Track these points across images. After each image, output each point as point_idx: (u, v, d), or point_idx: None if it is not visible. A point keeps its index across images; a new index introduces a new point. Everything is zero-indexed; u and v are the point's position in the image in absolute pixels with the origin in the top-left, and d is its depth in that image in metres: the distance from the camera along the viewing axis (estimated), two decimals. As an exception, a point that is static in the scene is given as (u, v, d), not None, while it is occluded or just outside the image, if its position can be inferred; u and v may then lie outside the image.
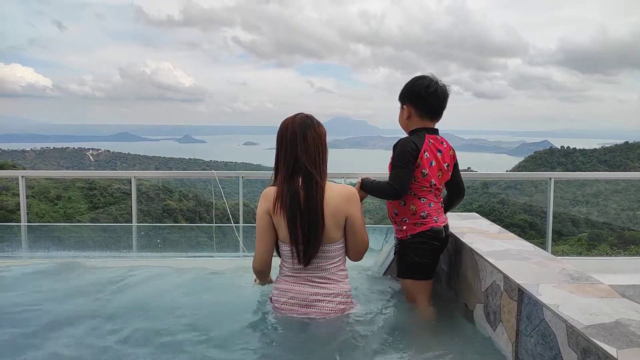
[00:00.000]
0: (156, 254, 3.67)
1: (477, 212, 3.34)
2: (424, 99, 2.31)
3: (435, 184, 2.31)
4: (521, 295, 1.74)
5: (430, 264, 2.32)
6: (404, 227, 2.32)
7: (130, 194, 4.50)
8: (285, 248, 2.08)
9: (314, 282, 2.06)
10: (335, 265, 2.09)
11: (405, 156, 2.21)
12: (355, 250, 2.14)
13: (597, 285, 1.75)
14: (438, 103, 2.32)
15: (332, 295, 2.06)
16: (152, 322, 2.19)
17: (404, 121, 2.39)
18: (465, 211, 3.42)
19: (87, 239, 4.37)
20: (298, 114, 2.11)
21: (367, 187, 2.33)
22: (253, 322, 2.16)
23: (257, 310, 2.27)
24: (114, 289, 2.62)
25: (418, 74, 2.35)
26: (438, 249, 2.34)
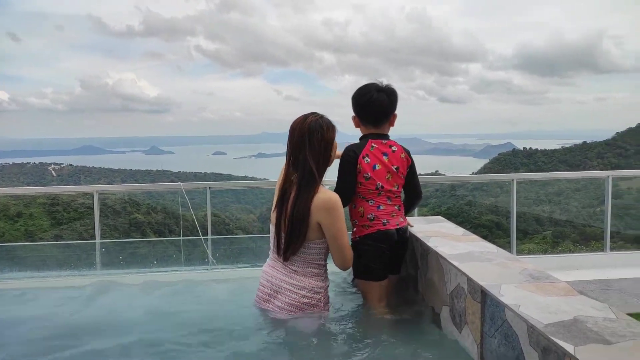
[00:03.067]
0: (120, 270, 3.57)
1: (446, 214, 3.41)
2: (362, 108, 2.44)
3: (383, 187, 2.38)
4: (484, 296, 1.77)
5: (378, 266, 2.37)
6: (354, 229, 2.44)
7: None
8: (271, 229, 2.22)
9: (286, 270, 2.18)
10: (308, 262, 2.17)
11: (343, 165, 2.38)
12: (339, 256, 2.20)
13: (557, 283, 1.80)
14: (375, 110, 2.42)
15: (297, 287, 2.16)
16: (114, 340, 2.12)
17: (357, 129, 2.53)
18: (434, 214, 3.48)
19: (49, 258, 4.20)
20: (310, 114, 2.19)
21: None
22: (225, 330, 2.15)
23: (227, 317, 2.28)
24: (75, 309, 2.53)
25: (382, 80, 2.43)
26: (387, 252, 2.38)
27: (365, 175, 2.36)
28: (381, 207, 2.39)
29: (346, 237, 2.19)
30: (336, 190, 2.36)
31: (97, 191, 4.35)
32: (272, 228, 2.23)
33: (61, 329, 2.26)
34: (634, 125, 32.10)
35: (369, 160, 2.37)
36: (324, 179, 2.20)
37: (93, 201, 4.31)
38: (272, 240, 2.25)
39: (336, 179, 2.41)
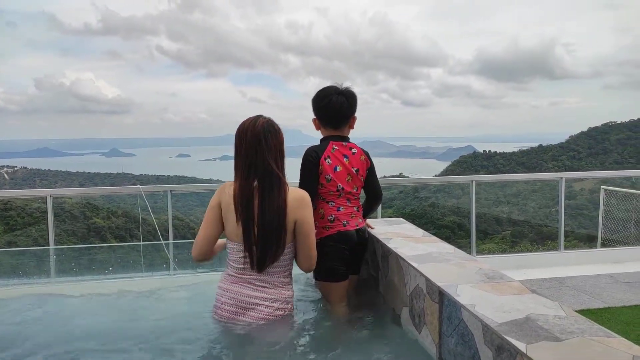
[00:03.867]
0: (73, 278, 3.43)
1: (410, 215, 3.46)
2: (322, 110, 2.46)
3: (343, 189, 2.41)
4: (441, 297, 1.81)
5: (339, 267, 2.39)
6: (315, 231, 2.40)
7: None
8: (233, 246, 2.08)
9: (255, 285, 2.06)
10: (279, 271, 2.09)
11: (306, 164, 2.37)
12: (306, 255, 2.12)
13: (510, 282, 1.85)
14: (335, 113, 2.44)
15: (270, 300, 2.06)
16: (61, 355, 2.02)
17: (318, 132, 2.53)
18: (399, 215, 3.53)
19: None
20: (259, 117, 2.11)
21: None
22: (185, 338, 2.09)
23: (187, 327, 2.19)
24: (27, 320, 2.41)
25: (347, 83, 2.45)
26: (347, 253, 2.41)
27: (327, 176, 2.38)
28: (341, 209, 2.42)
29: (314, 235, 2.15)
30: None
31: (50, 195, 4.18)
32: (233, 245, 2.08)
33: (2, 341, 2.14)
34: (585, 129, 33.68)
35: (330, 161, 2.39)
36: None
37: (47, 206, 4.15)
38: (235, 256, 2.08)
39: (298, 180, 2.40)
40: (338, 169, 2.40)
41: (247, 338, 2.01)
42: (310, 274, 2.62)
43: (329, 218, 2.40)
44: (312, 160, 2.37)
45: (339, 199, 2.42)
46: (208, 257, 2.14)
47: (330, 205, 2.40)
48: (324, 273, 2.41)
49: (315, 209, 2.43)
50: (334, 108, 2.42)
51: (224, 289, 2.10)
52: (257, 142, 2.02)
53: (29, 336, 2.15)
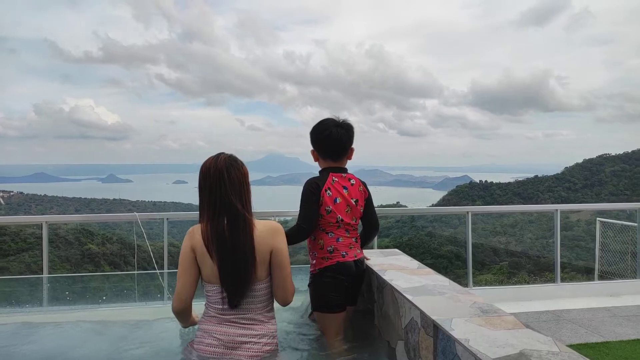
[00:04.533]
0: (67, 307, 3.39)
1: (407, 245, 3.47)
2: (321, 143, 2.50)
3: (342, 220, 2.43)
4: (436, 330, 1.80)
5: (337, 298, 2.39)
6: (314, 261, 2.45)
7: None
8: (211, 288, 2.03)
9: (241, 323, 2.02)
10: (262, 305, 2.06)
11: (307, 196, 2.39)
12: (282, 287, 2.07)
13: (504, 317, 1.85)
14: (334, 145, 2.48)
15: (258, 337, 2.03)
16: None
17: (316, 163, 2.57)
18: (396, 245, 3.53)
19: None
20: (220, 154, 2.10)
21: None
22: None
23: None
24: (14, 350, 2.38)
25: (345, 113, 2.51)
26: (347, 284, 2.41)
27: (327, 208, 2.40)
28: (340, 240, 2.44)
29: (289, 267, 2.10)
30: (299, 221, 2.37)
31: (46, 222, 4.16)
32: (212, 287, 2.03)
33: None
34: (580, 160, 34.00)
35: (330, 193, 2.42)
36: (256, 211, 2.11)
37: (42, 232, 4.12)
38: (215, 297, 2.04)
39: (299, 210, 2.41)
40: (338, 201, 2.43)
41: None
42: (308, 306, 2.61)
43: (328, 249, 2.41)
44: (313, 190, 2.40)
45: (337, 229, 2.44)
46: (188, 308, 2.08)
47: (329, 236, 2.43)
48: (321, 304, 2.41)
49: (314, 239, 2.45)
50: (334, 141, 2.47)
51: (206, 331, 2.04)
52: (220, 177, 2.00)
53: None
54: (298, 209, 2.42)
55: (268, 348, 2.04)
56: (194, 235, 2.02)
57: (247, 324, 2.03)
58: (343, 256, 2.41)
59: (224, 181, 2.00)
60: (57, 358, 2.21)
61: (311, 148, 2.58)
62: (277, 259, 2.05)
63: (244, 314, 2.03)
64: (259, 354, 2.01)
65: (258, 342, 2.02)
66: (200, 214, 2.06)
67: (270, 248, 2.03)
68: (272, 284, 2.09)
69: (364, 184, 2.57)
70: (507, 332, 1.69)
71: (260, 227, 2.04)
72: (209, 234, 1.98)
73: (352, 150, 2.55)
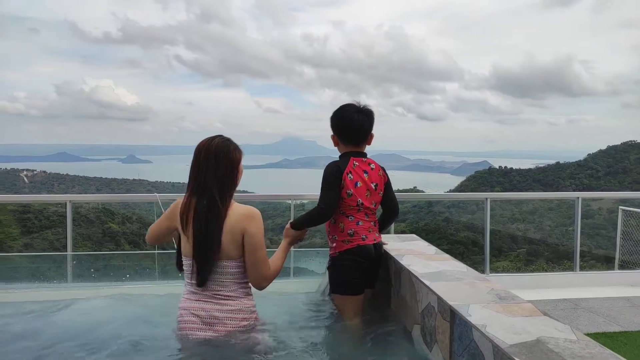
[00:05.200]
0: (92, 283, 3.50)
1: (424, 230, 3.48)
2: (343, 129, 2.52)
3: (363, 204, 2.46)
4: (453, 316, 1.82)
5: (357, 281, 2.43)
6: (334, 245, 2.48)
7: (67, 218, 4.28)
8: (186, 262, 2.12)
9: (215, 299, 2.08)
10: (235, 282, 2.10)
11: (329, 178, 2.41)
12: (254, 270, 2.10)
13: (522, 304, 1.86)
14: (356, 131, 2.50)
15: (234, 312, 2.09)
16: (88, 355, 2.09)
17: (335, 147, 2.60)
18: (412, 230, 3.54)
19: (18, 269, 4.09)
20: (216, 136, 2.15)
21: (298, 222, 2.48)
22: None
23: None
24: (45, 322, 2.48)
25: (363, 96, 2.51)
26: (366, 267, 2.45)
27: (348, 191, 2.43)
28: (360, 223, 2.46)
29: (264, 252, 2.13)
30: (320, 203, 2.40)
31: (70, 201, 4.27)
32: (187, 261, 2.11)
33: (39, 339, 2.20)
34: (604, 147, 33.22)
35: (352, 177, 2.44)
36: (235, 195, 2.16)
37: (66, 211, 4.24)
38: (187, 271, 2.12)
39: (320, 192, 2.43)
40: (358, 185, 2.45)
41: (220, 349, 2.02)
42: (326, 288, 2.66)
43: (348, 232, 2.44)
44: (335, 174, 2.43)
45: (357, 213, 2.46)
46: (157, 243, 2.45)
47: (349, 219, 2.46)
48: (341, 286, 2.46)
49: (334, 222, 2.48)
50: (356, 127, 2.49)
51: (184, 308, 2.11)
52: (208, 161, 2.08)
53: (47, 340, 2.22)
54: (314, 193, 2.46)
55: (245, 323, 2.10)
56: (175, 208, 2.17)
57: (222, 299, 2.08)
58: (363, 239, 2.45)
59: (211, 165, 2.07)
60: (87, 334, 2.29)
61: (331, 133, 2.59)
62: (248, 242, 2.07)
63: (218, 291, 2.08)
64: (236, 329, 2.08)
65: (234, 318, 2.08)
66: (187, 187, 2.14)
67: (242, 231, 2.06)
68: (245, 265, 2.12)
69: (383, 169, 2.59)
70: (524, 319, 1.70)
71: (238, 210, 2.09)
72: (187, 209, 2.08)
73: (371, 135, 2.57)
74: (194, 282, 2.08)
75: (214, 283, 2.08)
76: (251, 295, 2.18)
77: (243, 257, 2.11)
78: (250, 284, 2.17)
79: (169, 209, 2.21)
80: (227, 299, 2.09)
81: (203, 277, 2.05)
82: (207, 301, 2.08)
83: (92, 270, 3.71)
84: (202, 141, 2.14)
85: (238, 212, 2.08)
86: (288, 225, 2.50)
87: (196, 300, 2.09)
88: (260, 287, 2.16)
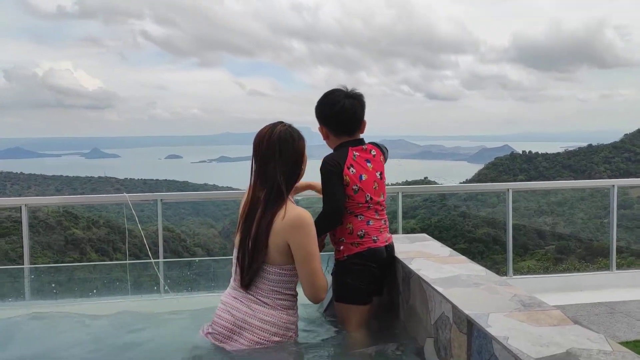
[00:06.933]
0: (52, 300, 3.51)
1: (437, 227, 3.50)
2: (333, 118, 2.51)
3: (372, 198, 2.46)
4: (470, 327, 1.84)
5: (366, 288, 2.44)
6: (341, 248, 2.47)
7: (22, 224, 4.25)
8: (235, 254, 2.24)
9: (250, 302, 2.18)
10: (273, 289, 2.18)
11: (330, 176, 2.41)
12: (308, 282, 2.19)
13: (549, 311, 1.87)
14: (348, 118, 2.50)
15: (265, 322, 2.15)
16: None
17: (326, 141, 2.60)
18: (424, 226, 3.56)
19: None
20: (277, 124, 2.24)
21: None
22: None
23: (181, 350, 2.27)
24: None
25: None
26: (377, 272, 2.46)
27: (354, 187, 2.42)
28: (370, 223, 2.47)
29: (319, 261, 2.20)
30: (326, 206, 2.40)
31: (26, 204, 4.25)
32: (235, 252, 2.25)
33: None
34: (643, 125, 33.27)
35: (354, 170, 2.44)
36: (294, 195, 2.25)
37: (21, 217, 4.21)
38: (234, 267, 2.27)
39: (322, 195, 2.45)
40: (364, 177, 2.45)
41: None
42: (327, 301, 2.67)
43: (358, 233, 2.44)
44: (335, 170, 2.41)
45: (367, 211, 2.46)
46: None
47: (359, 219, 2.45)
48: (347, 294, 2.45)
49: (341, 224, 2.47)
50: (348, 113, 2.48)
51: (224, 302, 2.26)
52: (271, 151, 2.18)
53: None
54: (323, 196, 2.45)
55: (277, 339, 2.16)
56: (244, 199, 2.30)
57: (254, 304, 2.17)
58: (374, 241, 2.45)
59: (273, 155, 2.17)
60: (48, 356, 2.30)
61: (318, 125, 2.59)
62: (297, 254, 2.16)
63: (255, 294, 2.18)
64: (264, 341, 2.14)
65: (266, 330, 2.14)
66: (250, 179, 2.28)
67: (285, 240, 2.14)
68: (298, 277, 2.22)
69: (379, 147, 2.61)
70: (553, 328, 1.72)
71: (287, 214, 2.15)
72: (248, 201, 2.22)
73: (364, 123, 2.57)
74: (237, 279, 2.21)
75: (253, 284, 2.18)
76: (292, 310, 2.24)
77: (289, 265, 2.19)
78: (295, 298, 2.26)
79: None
80: (261, 305, 2.17)
81: (247, 279, 2.16)
82: (242, 302, 2.19)
83: (53, 285, 3.71)
84: (263, 129, 2.24)
85: (286, 217, 2.14)
86: None
87: (234, 297, 2.23)
88: (317, 300, 2.28)
